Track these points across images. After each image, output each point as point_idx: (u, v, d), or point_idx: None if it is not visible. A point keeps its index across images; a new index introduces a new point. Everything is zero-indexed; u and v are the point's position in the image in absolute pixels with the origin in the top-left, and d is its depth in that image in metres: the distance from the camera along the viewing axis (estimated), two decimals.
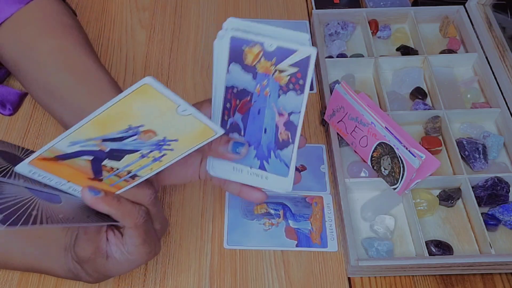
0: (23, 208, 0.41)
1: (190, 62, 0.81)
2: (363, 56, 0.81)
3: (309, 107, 0.76)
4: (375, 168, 0.66)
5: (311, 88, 0.79)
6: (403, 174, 0.61)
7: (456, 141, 0.69)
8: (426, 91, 0.77)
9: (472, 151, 0.68)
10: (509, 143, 0.71)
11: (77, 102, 0.61)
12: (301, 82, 0.45)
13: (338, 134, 0.70)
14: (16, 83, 0.76)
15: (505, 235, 0.64)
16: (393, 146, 0.61)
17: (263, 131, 0.49)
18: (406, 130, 0.68)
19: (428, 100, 0.77)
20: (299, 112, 0.46)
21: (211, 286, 0.60)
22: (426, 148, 0.67)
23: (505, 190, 0.65)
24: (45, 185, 0.46)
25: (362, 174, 0.68)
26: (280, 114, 0.48)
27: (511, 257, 0.60)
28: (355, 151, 0.70)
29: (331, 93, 0.70)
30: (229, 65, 0.46)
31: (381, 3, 0.89)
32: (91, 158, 0.44)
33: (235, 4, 0.89)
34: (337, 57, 0.81)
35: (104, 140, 0.43)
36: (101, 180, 0.46)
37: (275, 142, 0.49)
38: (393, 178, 0.63)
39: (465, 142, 0.69)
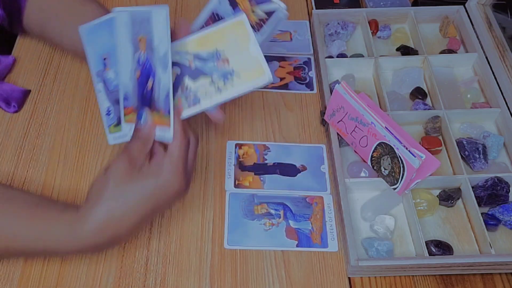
0: None
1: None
2: (363, 56, 0.81)
3: (309, 107, 0.76)
4: (375, 168, 0.67)
5: (311, 88, 0.79)
6: (403, 174, 0.61)
7: (456, 141, 0.69)
8: (426, 91, 0.77)
9: (472, 151, 0.68)
10: (509, 143, 0.71)
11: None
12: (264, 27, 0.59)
13: (338, 134, 0.70)
14: (18, 80, 0.76)
15: (505, 235, 0.64)
16: (393, 146, 0.61)
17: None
18: (406, 130, 0.68)
19: (428, 100, 0.77)
20: None
21: (212, 286, 0.60)
22: (426, 148, 0.67)
23: (505, 190, 0.65)
24: None
25: (362, 174, 0.68)
26: None
27: (511, 257, 0.60)
28: (355, 151, 0.70)
29: (331, 93, 0.70)
30: None
31: (381, 3, 0.89)
32: (179, 71, 0.56)
33: None
34: (337, 57, 0.81)
35: (195, 57, 0.55)
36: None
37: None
38: (393, 178, 0.64)
39: (465, 142, 0.69)
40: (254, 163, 0.70)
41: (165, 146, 0.56)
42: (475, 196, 0.64)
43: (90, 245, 0.54)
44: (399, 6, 0.88)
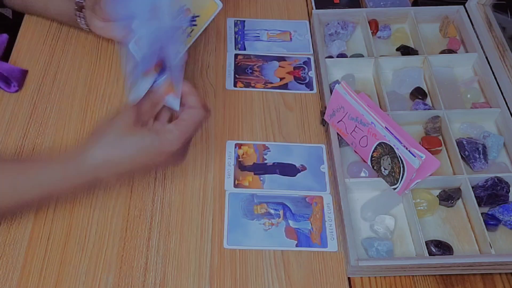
0: None
1: (190, 62, 0.81)
2: (363, 56, 0.81)
3: (309, 107, 0.76)
4: (375, 168, 0.66)
5: (311, 88, 0.79)
6: (403, 174, 0.61)
7: (456, 141, 0.69)
8: (426, 91, 0.77)
9: (472, 151, 0.68)
10: (509, 143, 0.70)
11: None
12: None
13: (338, 134, 0.70)
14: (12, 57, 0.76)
15: (505, 235, 0.64)
16: (393, 146, 0.61)
17: None
18: (406, 130, 0.68)
19: (428, 100, 0.77)
20: None
21: (211, 286, 0.60)
22: (426, 148, 0.67)
23: (505, 190, 0.65)
24: None
25: (362, 174, 0.68)
26: None
27: (511, 257, 0.60)
28: (355, 151, 0.70)
29: (331, 93, 0.70)
30: None
31: (381, 3, 0.89)
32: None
33: (235, 4, 0.89)
34: (337, 57, 0.81)
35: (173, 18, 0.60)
36: None
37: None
38: (393, 178, 0.63)
39: (465, 142, 0.69)
40: (254, 163, 0.70)
41: (172, 114, 0.61)
42: (475, 196, 0.64)
43: (81, 183, 0.59)
44: (399, 6, 0.88)
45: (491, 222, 0.63)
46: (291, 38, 0.85)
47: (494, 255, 0.60)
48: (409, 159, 0.59)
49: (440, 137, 0.72)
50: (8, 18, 1.08)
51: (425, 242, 0.61)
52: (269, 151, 0.71)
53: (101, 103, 0.75)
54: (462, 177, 0.66)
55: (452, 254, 0.62)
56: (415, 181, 0.63)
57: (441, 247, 0.61)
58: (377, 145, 0.64)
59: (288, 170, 0.69)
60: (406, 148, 0.59)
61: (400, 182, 0.62)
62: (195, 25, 0.65)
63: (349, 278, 0.61)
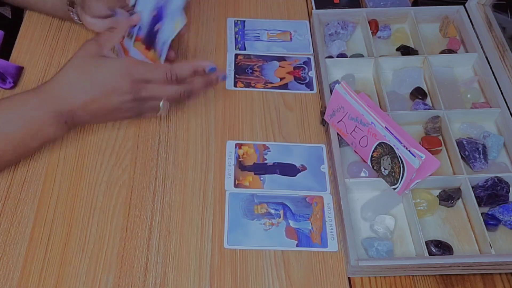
0: None
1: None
2: (363, 56, 0.81)
3: (309, 107, 0.76)
4: (375, 168, 0.66)
5: (311, 88, 0.79)
6: (403, 174, 0.61)
7: (456, 141, 0.69)
8: (426, 91, 0.77)
9: (472, 151, 0.68)
10: (509, 143, 0.71)
11: None
12: None
13: (338, 134, 0.70)
14: (18, 80, 0.76)
15: (505, 235, 0.64)
16: (393, 146, 0.61)
17: None
18: (406, 130, 0.68)
19: (428, 100, 0.77)
20: None
21: (211, 285, 0.60)
22: (426, 148, 0.67)
23: (505, 190, 0.65)
24: None
25: (362, 174, 0.68)
26: None
27: (511, 257, 0.60)
28: (355, 151, 0.70)
29: (331, 93, 0.70)
30: None
31: (381, 3, 0.89)
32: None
33: (235, 4, 0.89)
34: (337, 57, 0.81)
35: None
36: None
37: None
38: (393, 178, 0.64)
39: (465, 142, 0.69)
40: (254, 163, 0.70)
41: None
42: (475, 196, 0.64)
43: (56, 116, 0.63)
44: (399, 6, 0.88)
45: (491, 222, 0.63)
46: (291, 38, 0.85)
47: (494, 255, 0.60)
48: (409, 159, 0.59)
49: (440, 137, 0.72)
50: (7, 18, 1.08)
51: (425, 242, 0.61)
52: (269, 151, 0.71)
53: None
54: (462, 177, 0.66)
55: (452, 254, 0.62)
56: (415, 181, 0.63)
57: (441, 247, 0.61)
58: (377, 145, 0.64)
59: (288, 170, 0.70)
60: (406, 148, 0.59)
61: (400, 182, 0.62)
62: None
63: (349, 278, 0.61)
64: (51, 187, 0.67)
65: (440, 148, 0.70)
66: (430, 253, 0.61)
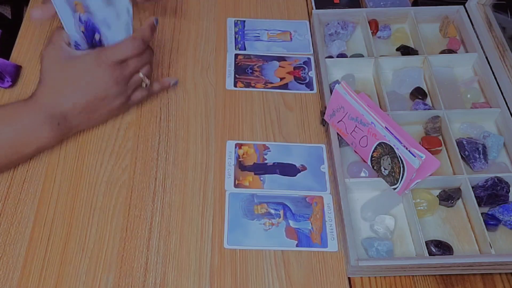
0: None
1: (190, 62, 0.81)
2: (363, 56, 0.81)
3: (309, 107, 0.76)
4: (375, 168, 0.67)
5: (311, 88, 0.79)
6: (403, 174, 0.61)
7: (456, 141, 0.69)
8: (426, 91, 0.77)
9: (472, 151, 0.68)
10: (509, 143, 0.71)
11: None
12: None
13: (338, 134, 0.70)
14: (18, 80, 0.76)
15: (505, 235, 0.64)
16: (393, 146, 0.61)
17: None
18: (406, 130, 0.68)
19: (428, 100, 0.77)
20: None
21: (211, 286, 0.60)
22: (426, 148, 0.67)
23: (505, 190, 0.65)
24: None
25: (362, 174, 0.68)
26: None
27: (511, 257, 0.60)
28: (355, 151, 0.70)
29: (331, 93, 0.70)
30: None
31: (381, 3, 0.89)
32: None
33: (235, 4, 0.89)
34: (337, 57, 0.81)
35: None
36: None
37: None
38: (393, 178, 0.64)
39: (465, 142, 0.69)
40: (254, 163, 0.70)
41: None
42: (475, 196, 0.64)
43: (48, 121, 0.63)
44: (399, 6, 0.88)
45: (491, 222, 0.63)
46: (291, 38, 0.85)
47: (494, 255, 0.60)
48: (409, 159, 0.59)
49: (440, 137, 0.72)
50: (7, 18, 1.08)
51: (425, 242, 0.61)
52: (269, 151, 0.71)
53: None
54: (462, 177, 0.66)
55: (452, 254, 0.62)
56: (415, 181, 0.63)
57: (441, 247, 0.61)
58: (377, 145, 0.64)
59: (288, 170, 0.70)
60: (406, 148, 0.59)
61: (400, 182, 0.62)
62: None
63: (349, 278, 0.61)
64: (51, 187, 0.67)
65: (440, 148, 0.70)
66: (430, 253, 0.61)
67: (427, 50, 0.79)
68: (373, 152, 0.65)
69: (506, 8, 0.82)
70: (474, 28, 0.81)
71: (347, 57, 0.81)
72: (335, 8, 0.87)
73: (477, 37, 0.80)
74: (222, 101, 0.76)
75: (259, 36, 0.85)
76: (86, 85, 0.65)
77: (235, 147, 0.71)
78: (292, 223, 0.65)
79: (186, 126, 0.73)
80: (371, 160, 0.66)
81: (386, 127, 0.62)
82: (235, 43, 0.84)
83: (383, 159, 0.64)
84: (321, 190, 0.68)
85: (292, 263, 0.62)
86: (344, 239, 0.62)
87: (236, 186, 0.68)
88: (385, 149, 0.63)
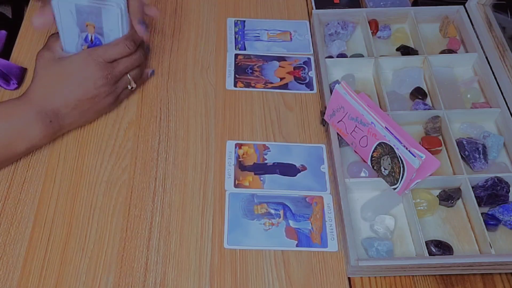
0: None
1: (190, 62, 0.81)
2: (363, 56, 0.81)
3: (309, 107, 0.76)
4: (375, 168, 0.67)
5: (311, 88, 0.79)
6: (403, 174, 0.61)
7: (456, 141, 0.69)
8: (426, 91, 0.77)
9: (472, 151, 0.68)
10: (509, 143, 0.71)
11: None
12: None
13: (338, 134, 0.70)
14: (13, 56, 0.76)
15: (505, 235, 0.64)
16: (393, 146, 0.61)
17: None
18: (406, 130, 0.68)
19: (428, 100, 0.77)
20: None
21: (211, 286, 0.60)
22: (426, 148, 0.67)
23: (505, 190, 0.65)
24: None
25: (362, 174, 0.68)
26: None
27: (511, 257, 0.60)
28: (355, 151, 0.70)
29: (331, 93, 0.70)
30: None
31: (381, 3, 0.89)
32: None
33: (235, 4, 0.89)
34: (337, 57, 0.81)
35: None
36: None
37: None
38: (393, 178, 0.64)
39: (465, 142, 0.69)
40: (254, 163, 0.70)
41: None
42: (475, 196, 0.64)
43: (40, 119, 0.64)
44: (399, 6, 0.88)
45: (491, 222, 0.63)
46: (291, 38, 0.85)
47: (494, 255, 0.60)
48: (409, 159, 0.59)
49: (440, 137, 0.72)
50: (8, 18, 1.08)
51: (425, 242, 0.61)
52: (269, 151, 0.71)
53: None
54: (462, 177, 0.66)
55: (452, 254, 0.62)
56: (415, 181, 0.63)
57: (441, 247, 0.61)
58: (377, 145, 0.64)
59: (288, 170, 0.70)
60: (406, 148, 0.59)
61: (400, 182, 0.62)
62: None
63: (349, 278, 0.61)
64: (51, 187, 0.67)
65: (440, 148, 0.70)
66: (430, 253, 0.61)
67: (427, 50, 0.79)
68: (373, 152, 0.65)
69: (506, 8, 0.82)
70: (474, 28, 0.81)
71: (347, 57, 0.81)
72: (335, 8, 0.87)
73: (477, 37, 0.80)
74: (222, 101, 0.76)
75: (259, 36, 0.85)
76: (77, 83, 0.66)
77: (235, 147, 0.71)
78: (292, 223, 0.65)
79: (186, 126, 0.73)
80: (371, 160, 0.66)
81: (386, 127, 0.62)
82: (235, 43, 0.84)
83: (383, 159, 0.64)
84: (321, 190, 0.68)
85: (292, 263, 0.62)
86: (344, 239, 0.62)
87: (236, 186, 0.68)
88: (385, 149, 0.63)
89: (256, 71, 0.80)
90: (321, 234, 0.64)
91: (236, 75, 0.80)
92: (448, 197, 0.66)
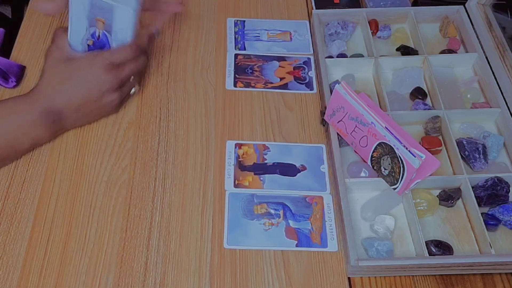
0: None
1: (190, 62, 0.81)
2: (363, 56, 0.81)
3: (309, 107, 0.76)
4: (375, 168, 0.66)
5: (311, 88, 0.79)
6: (403, 174, 0.61)
7: (456, 141, 0.69)
8: (426, 91, 0.77)
9: (472, 151, 0.68)
10: (509, 143, 0.71)
11: None
12: None
13: (338, 134, 0.70)
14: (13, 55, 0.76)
15: (505, 235, 0.64)
16: (393, 146, 0.61)
17: None
18: (406, 130, 0.68)
19: (428, 100, 0.77)
20: None
21: (211, 286, 0.60)
22: (426, 148, 0.67)
23: (505, 190, 0.65)
24: None
25: (362, 174, 0.68)
26: None
27: (511, 257, 0.60)
28: (355, 151, 0.70)
29: (331, 93, 0.70)
30: None
31: (381, 3, 0.89)
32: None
33: (235, 4, 0.89)
34: (337, 57, 0.81)
35: None
36: None
37: None
38: (393, 178, 0.63)
39: (465, 142, 0.69)
40: (254, 163, 0.70)
41: None
42: (475, 196, 0.64)
43: (41, 118, 0.65)
44: (399, 6, 0.88)
45: (491, 222, 0.63)
46: (291, 38, 0.85)
47: (494, 255, 0.60)
48: (409, 159, 0.59)
49: (440, 137, 0.72)
50: (8, 17, 1.08)
51: (425, 242, 0.61)
52: (269, 151, 0.71)
53: None
54: (462, 177, 0.66)
55: (452, 254, 0.62)
56: (415, 181, 0.63)
57: (441, 247, 0.61)
58: (377, 145, 0.64)
59: (288, 170, 0.69)
60: (406, 148, 0.59)
61: (400, 182, 0.62)
62: None
63: (349, 278, 0.61)
64: (51, 187, 0.67)
65: (440, 148, 0.70)
66: (430, 253, 0.61)
67: (427, 50, 0.79)
68: (373, 152, 0.65)
69: (506, 8, 0.82)
70: (474, 28, 0.81)
71: (347, 57, 0.81)
72: (335, 8, 0.87)
73: (477, 37, 0.80)
74: (222, 101, 0.76)
75: (259, 36, 0.85)
76: (82, 84, 0.66)
77: (235, 147, 0.71)
78: (292, 223, 0.65)
79: (186, 126, 0.73)
80: (371, 160, 0.66)
81: (386, 127, 0.62)
82: (235, 43, 0.84)
83: (383, 159, 0.64)
84: (321, 190, 0.68)
85: (292, 263, 0.62)
86: (344, 239, 0.62)
87: (236, 186, 0.68)
88: (385, 149, 0.63)
89: (256, 71, 0.80)
90: (321, 234, 0.64)
91: (236, 75, 0.80)
92: (448, 197, 0.66)
